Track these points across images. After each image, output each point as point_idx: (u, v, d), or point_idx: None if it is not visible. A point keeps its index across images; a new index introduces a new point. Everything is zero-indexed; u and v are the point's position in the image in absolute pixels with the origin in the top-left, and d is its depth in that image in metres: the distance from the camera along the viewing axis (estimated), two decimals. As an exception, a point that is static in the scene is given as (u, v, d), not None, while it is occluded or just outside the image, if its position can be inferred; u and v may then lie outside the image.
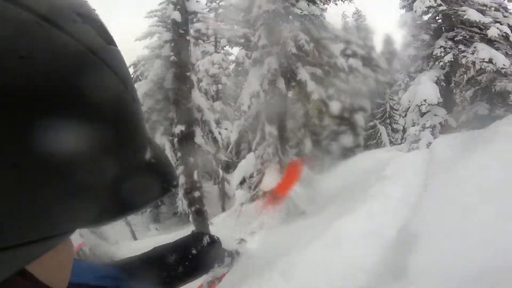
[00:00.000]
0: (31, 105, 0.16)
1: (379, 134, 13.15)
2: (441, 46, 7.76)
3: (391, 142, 13.43)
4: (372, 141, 13.08)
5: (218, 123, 10.44)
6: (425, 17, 8.46)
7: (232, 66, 13.55)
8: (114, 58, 0.22)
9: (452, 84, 8.03)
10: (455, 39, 7.72)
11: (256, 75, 6.35)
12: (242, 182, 6.69)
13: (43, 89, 0.16)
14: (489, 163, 2.60)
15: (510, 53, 7.19)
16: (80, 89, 0.18)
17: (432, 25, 8.58)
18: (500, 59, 6.90)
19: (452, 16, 7.71)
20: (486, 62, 6.84)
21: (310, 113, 6.99)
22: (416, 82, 8.18)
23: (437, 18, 8.39)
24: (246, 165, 6.52)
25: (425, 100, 7.58)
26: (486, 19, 7.22)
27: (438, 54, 7.72)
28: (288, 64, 6.50)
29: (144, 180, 0.25)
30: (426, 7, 7.66)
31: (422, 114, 8.27)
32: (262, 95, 6.22)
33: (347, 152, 10.86)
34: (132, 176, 0.23)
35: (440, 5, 7.48)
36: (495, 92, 7.46)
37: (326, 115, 7.66)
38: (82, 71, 0.18)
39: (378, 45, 15.34)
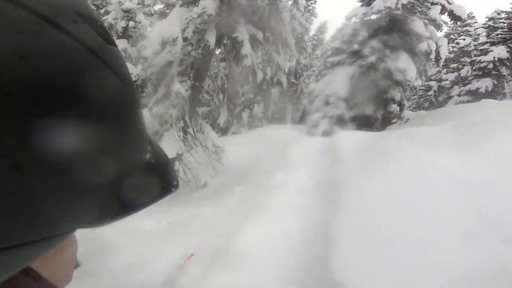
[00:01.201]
0: (32, 105, 0.16)
1: (285, 110, 14.22)
2: (371, 47, 8.56)
3: (291, 119, 14.85)
4: (278, 115, 14.10)
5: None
6: (374, 16, 8.85)
7: (159, 6, 11.44)
8: (114, 58, 0.21)
9: (361, 84, 9.17)
10: (387, 43, 8.60)
11: (180, 17, 4.97)
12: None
13: (43, 89, 0.16)
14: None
15: (421, 68, 8.48)
16: (80, 89, 0.18)
17: (375, 25, 9.24)
18: (411, 73, 8.17)
19: (400, 22, 8.40)
20: (399, 71, 7.95)
21: (235, 78, 6.38)
22: (334, 74, 8.95)
23: (384, 19, 8.97)
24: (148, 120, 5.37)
25: (335, 93, 8.46)
26: (426, 33, 8.26)
27: (366, 53, 8.55)
28: (228, 16, 5.39)
29: (144, 180, 0.25)
30: (384, 7, 8.16)
31: (327, 104, 9.38)
32: (181, 43, 4.81)
33: (256, 122, 11.44)
34: (132, 176, 0.23)
35: (398, 9, 8.09)
36: (385, 97, 8.99)
37: (250, 84, 7.39)
38: (82, 71, 0.18)
39: (313, 29, 15.86)
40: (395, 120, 10.14)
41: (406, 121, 9.95)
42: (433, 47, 8.34)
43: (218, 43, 5.77)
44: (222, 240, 2.98)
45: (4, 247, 0.16)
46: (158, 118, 4.98)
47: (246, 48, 5.48)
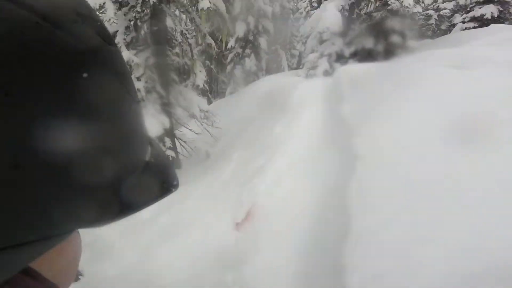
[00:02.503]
0: (31, 105, 0.16)
1: (279, 59, 13.32)
2: None
3: (289, 67, 13.99)
4: (273, 65, 13.25)
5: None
6: None
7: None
8: (114, 58, 0.21)
9: (354, 16, 8.30)
10: None
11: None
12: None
13: (43, 89, 0.16)
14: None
15: None
16: (80, 89, 0.18)
17: None
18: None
19: None
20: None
21: (202, 31, 5.14)
22: (322, 9, 8.06)
23: None
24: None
25: (327, 28, 7.65)
26: None
27: None
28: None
29: (144, 180, 0.25)
30: None
31: (322, 42, 8.52)
32: (112, 8, 3.91)
33: (251, 76, 10.71)
34: (132, 176, 0.23)
35: None
36: (384, 28, 8.17)
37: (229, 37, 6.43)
38: (82, 71, 0.18)
39: None
40: (399, 51, 9.41)
41: (412, 51, 9.26)
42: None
43: None
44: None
45: (4, 247, 0.16)
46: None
47: None
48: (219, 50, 10.11)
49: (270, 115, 4.37)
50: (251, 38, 10.52)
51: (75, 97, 0.17)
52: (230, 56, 10.52)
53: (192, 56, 5.10)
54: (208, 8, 4.37)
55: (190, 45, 4.99)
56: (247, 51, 10.55)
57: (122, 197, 0.22)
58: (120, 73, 0.21)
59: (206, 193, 3.29)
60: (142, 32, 4.64)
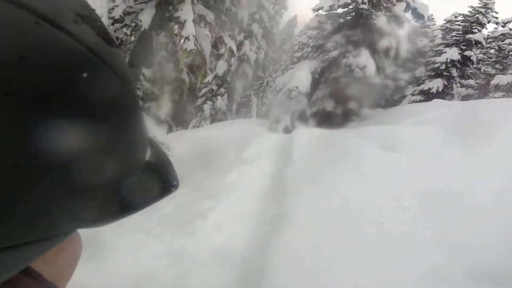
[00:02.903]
0: (31, 105, 0.16)
1: (250, 104, 13.95)
2: (335, 41, 8.44)
3: (257, 114, 14.65)
4: (243, 109, 13.78)
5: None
6: (341, 10, 8.67)
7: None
8: (114, 58, 0.21)
9: (322, 79, 9.11)
10: (350, 38, 8.56)
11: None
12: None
13: (43, 89, 0.16)
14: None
15: (380, 66, 8.58)
16: (80, 89, 0.18)
17: (341, 19, 9.11)
18: (371, 69, 8.17)
19: (365, 17, 8.33)
20: (359, 68, 7.96)
21: (179, 66, 5.29)
22: (297, 68, 8.80)
23: (349, 14, 8.81)
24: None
25: (297, 87, 8.32)
26: (388, 29, 8.26)
27: (329, 48, 8.42)
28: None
29: (144, 180, 0.25)
30: (351, 0, 8.00)
31: (290, 99, 9.22)
32: (106, 23, 4.07)
33: (220, 115, 11.01)
34: (132, 176, 0.23)
35: (364, 3, 8.00)
36: (345, 94, 9.03)
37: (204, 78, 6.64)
38: (82, 71, 0.18)
39: (283, 22, 15.59)
40: (354, 117, 10.26)
41: (363, 119, 10.06)
42: (394, 44, 8.50)
43: (160, 25, 4.85)
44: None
45: (4, 247, 0.16)
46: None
47: (189, 29, 4.49)
48: (195, 81, 10.42)
49: (225, 160, 4.51)
50: (229, 78, 11.05)
51: (75, 97, 0.17)
52: (203, 91, 10.83)
53: (161, 88, 5.24)
54: (191, 49, 4.62)
55: (163, 77, 5.14)
56: (222, 90, 10.97)
57: (122, 197, 0.22)
58: (120, 73, 0.21)
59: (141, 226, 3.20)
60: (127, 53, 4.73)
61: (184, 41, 4.54)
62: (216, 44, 5.39)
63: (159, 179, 0.27)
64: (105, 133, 0.20)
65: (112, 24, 4.53)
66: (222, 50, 8.54)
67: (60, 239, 0.20)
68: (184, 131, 9.11)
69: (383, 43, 8.51)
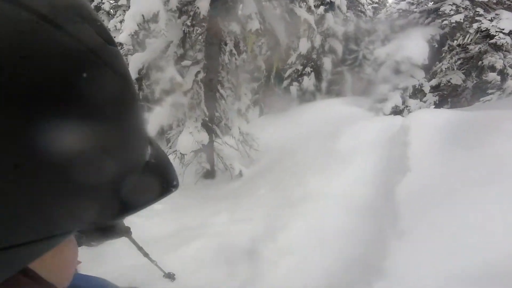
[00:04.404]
0: (32, 105, 0.16)
1: (343, 82, 12.24)
2: (453, 3, 6.41)
3: (352, 92, 12.78)
4: (335, 87, 12.22)
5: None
6: None
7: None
8: (114, 58, 0.21)
9: (445, 48, 7.03)
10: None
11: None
12: (160, 133, 4.99)
13: (43, 89, 0.16)
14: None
15: None
16: (81, 89, 0.18)
17: None
18: None
19: None
20: (503, 33, 5.81)
21: (248, 48, 4.65)
22: (405, 36, 6.97)
23: None
24: (163, 112, 4.08)
25: (408, 58, 6.53)
26: None
27: (447, 11, 6.42)
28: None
29: (144, 180, 0.25)
30: None
31: (398, 73, 7.35)
32: (164, 19, 3.40)
33: (308, 96, 9.93)
34: (132, 176, 0.23)
35: None
36: (480, 64, 6.73)
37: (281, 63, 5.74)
38: (82, 71, 0.18)
39: None
40: (493, 91, 7.71)
41: (510, 93, 7.51)
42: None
43: (219, 8, 3.96)
44: None
45: (3, 247, 0.16)
46: (174, 107, 4.02)
47: (250, 5, 3.66)
48: (276, 65, 9.65)
49: (309, 158, 3.61)
50: (314, 56, 9.79)
51: (75, 97, 0.17)
52: (288, 72, 9.93)
53: (238, 78, 4.66)
54: (256, 30, 3.75)
55: (237, 66, 4.53)
56: (307, 69, 9.82)
57: (122, 197, 0.22)
58: (120, 73, 0.21)
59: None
60: (198, 47, 4.32)
61: (247, 21, 3.67)
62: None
63: (159, 179, 0.26)
64: (105, 133, 0.20)
65: (179, 17, 4.00)
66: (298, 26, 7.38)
67: (60, 239, 0.20)
68: (269, 116, 8.53)
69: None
